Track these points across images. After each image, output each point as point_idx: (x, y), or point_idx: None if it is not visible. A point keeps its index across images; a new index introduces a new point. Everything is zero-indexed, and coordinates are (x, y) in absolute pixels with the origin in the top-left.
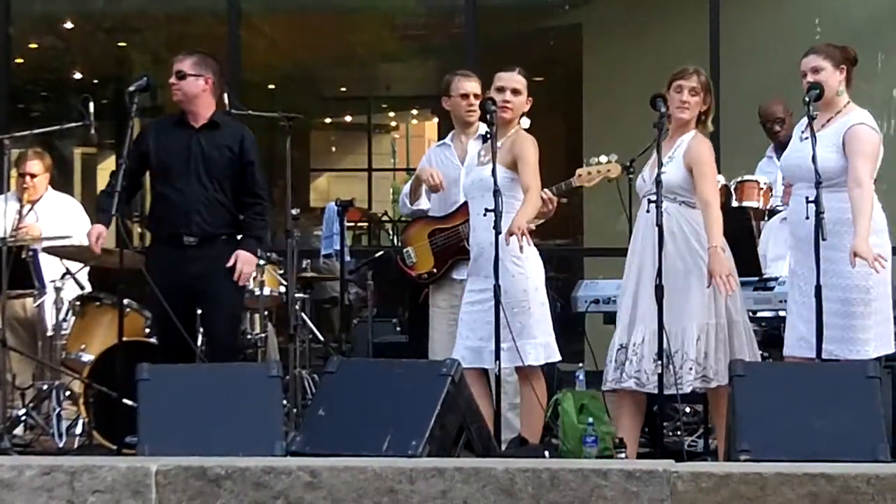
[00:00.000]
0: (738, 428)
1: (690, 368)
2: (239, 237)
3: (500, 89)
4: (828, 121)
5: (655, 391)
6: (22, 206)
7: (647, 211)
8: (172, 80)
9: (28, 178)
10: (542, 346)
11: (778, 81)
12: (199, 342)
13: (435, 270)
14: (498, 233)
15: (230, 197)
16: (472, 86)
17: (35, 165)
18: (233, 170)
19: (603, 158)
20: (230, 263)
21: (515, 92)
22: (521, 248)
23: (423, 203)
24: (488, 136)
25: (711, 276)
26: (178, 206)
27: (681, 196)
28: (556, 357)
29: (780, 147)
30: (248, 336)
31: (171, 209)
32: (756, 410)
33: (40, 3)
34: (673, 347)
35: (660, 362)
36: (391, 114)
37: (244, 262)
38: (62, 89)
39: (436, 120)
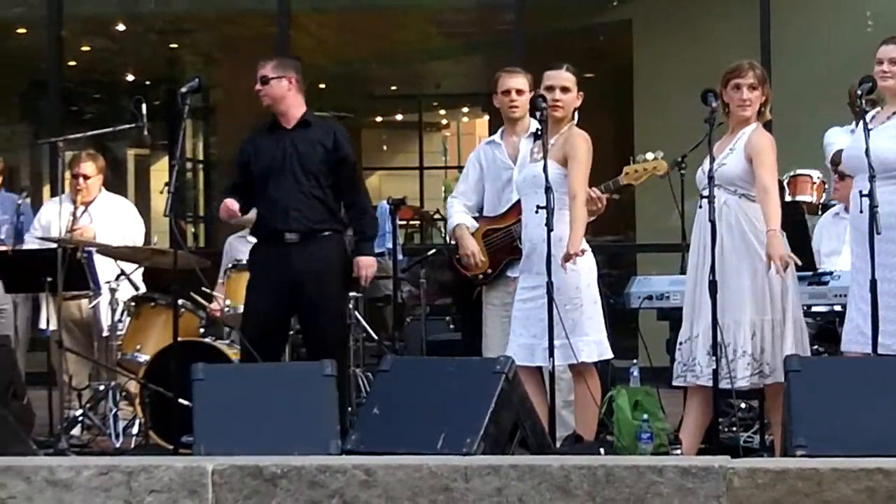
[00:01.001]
0: (793, 423)
1: (747, 364)
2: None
3: (550, 88)
4: (893, 113)
5: (709, 384)
6: (76, 208)
7: (700, 206)
8: (257, 86)
9: (81, 180)
10: (594, 344)
11: (829, 74)
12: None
13: (489, 271)
14: (550, 230)
15: (328, 192)
16: (514, 82)
17: (88, 167)
18: (327, 165)
19: (650, 156)
20: (355, 274)
21: (565, 90)
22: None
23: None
24: (539, 133)
25: (770, 259)
26: (278, 204)
27: (741, 188)
28: (609, 355)
29: None
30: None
31: (272, 208)
32: (812, 405)
33: (92, 6)
34: (725, 340)
35: (713, 357)
36: (442, 111)
37: (364, 266)
38: (114, 91)
39: (486, 117)
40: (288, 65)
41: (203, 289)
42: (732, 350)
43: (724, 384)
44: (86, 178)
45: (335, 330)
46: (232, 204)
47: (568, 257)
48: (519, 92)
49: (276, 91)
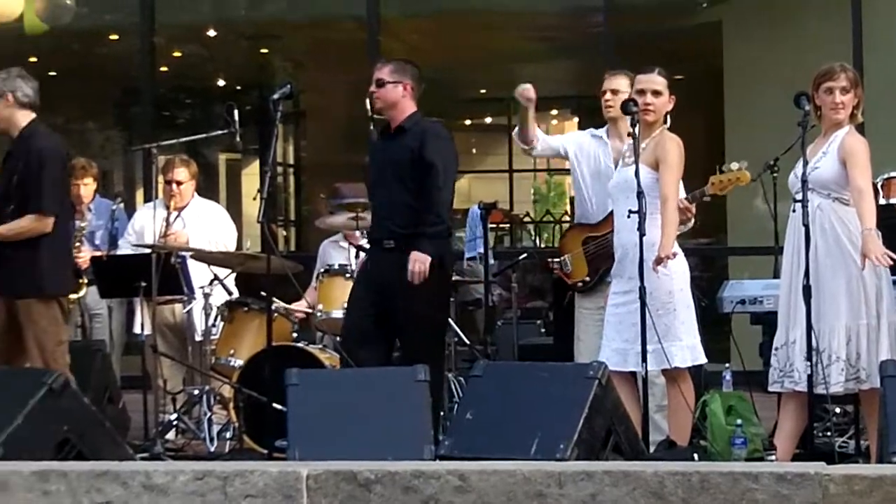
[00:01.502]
0: (889, 429)
1: (842, 370)
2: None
3: (641, 91)
4: None
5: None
6: (169, 214)
7: (793, 210)
8: (372, 88)
9: (174, 186)
10: (688, 349)
11: None
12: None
13: (588, 278)
14: (642, 234)
15: (419, 199)
16: (610, 83)
17: (181, 173)
18: (415, 171)
19: (734, 166)
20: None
21: (656, 93)
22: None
23: (537, 137)
24: (631, 136)
25: (865, 257)
26: (377, 211)
27: (835, 192)
28: (703, 360)
29: None
30: None
31: (374, 215)
32: None
33: (184, 13)
34: (820, 346)
35: (808, 363)
36: None
37: (414, 260)
38: (206, 96)
39: (576, 119)
40: (405, 70)
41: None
42: (827, 355)
43: (819, 389)
44: (179, 183)
45: (426, 336)
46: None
47: (659, 260)
48: (614, 92)
49: (389, 96)
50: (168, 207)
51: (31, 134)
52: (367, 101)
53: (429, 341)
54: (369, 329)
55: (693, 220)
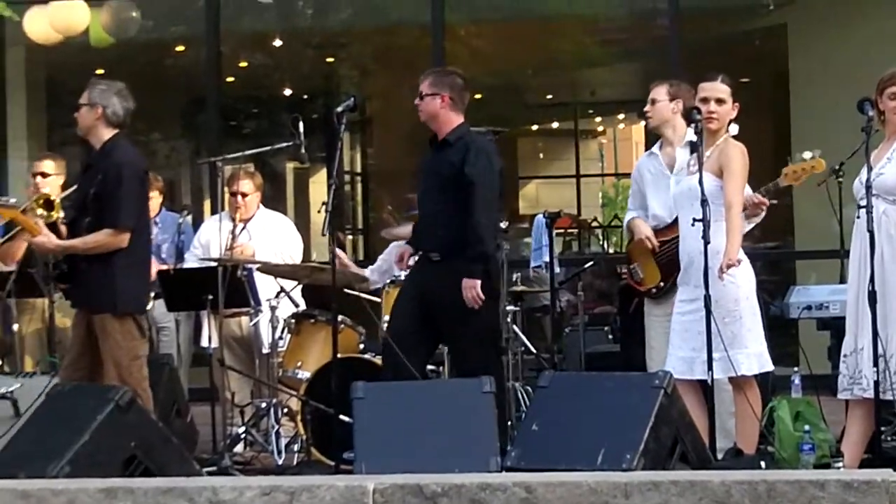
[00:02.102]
0: None
1: None
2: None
3: (705, 100)
4: None
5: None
6: (235, 226)
7: (858, 217)
8: (417, 101)
9: (239, 198)
10: (754, 356)
11: None
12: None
13: (662, 284)
14: (707, 242)
15: (461, 212)
16: (651, 92)
17: (246, 185)
18: (457, 185)
19: (807, 154)
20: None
21: (720, 101)
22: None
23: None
24: (695, 144)
25: None
26: (423, 223)
27: None
28: (769, 367)
29: None
30: None
31: (421, 227)
32: None
33: (249, 22)
34: (888, 352)
35: (875, 369)
36: (597, 119)
37: (466, 288)
38: (272, 106)
39: (643, 123)
40: (443, 82)
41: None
42: (895, 361)
43: (887, 396)
44: (244, 195)
45: (478, 347)
46: (407, 252)
47: (724, 268)
48: (652, 102)
49: (429, 108)
50: (234, 220)
51: (112, 148)
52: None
53: (481, 351)
54: (411, 337)
55: (763, 214)
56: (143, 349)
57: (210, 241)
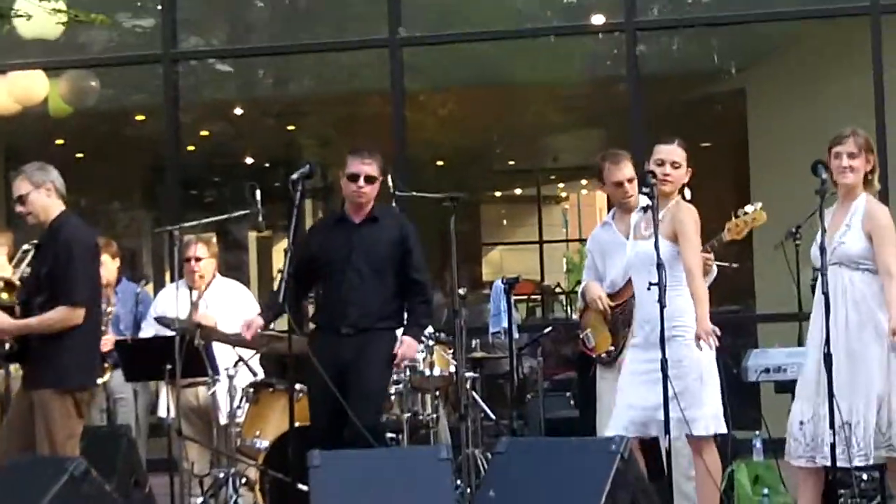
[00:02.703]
0: None
1: (871, 438)
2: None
3: (660, 162)
4: None
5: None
6: (191, 294)
7: (813, 279)
8: (362, 185)
9: (194, 262)
10: (711, 418)
11: None
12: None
13: (613, 348)
14: (663, 306)
15: (389, 289)
16: (623, 172)
17: (201, 250)
18: (392, 261)
19: (749, 209)
20: (395, 350)
21: (675, 165)
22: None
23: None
24: (649, 208)
25: (894, 335)
26: (339, 299)
27: (863, 264)
28: (723, 429)
29: None
30: (420, 417)
31: (333, 302)
32: None
33: (209, 90)
34: (855, 418)
35: (831, 432)
36: (560, 185)
37: (406, 346)
38: (233, 174)
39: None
40: (382, 164)
41: None
42: (863, 428)
43: (843, 461)
44: (198, 260)
45: (370, 411)
46: (255, 323)
47: (699, 337)
48: (630, 180)
49: (372, 193)
50: (191, 288)
51: (60, 225)
52: (390, 178)
53: (376, 415)
54: (327, 410)
55: (716, 271)
56: (78, 429)
57: (166, 311)
